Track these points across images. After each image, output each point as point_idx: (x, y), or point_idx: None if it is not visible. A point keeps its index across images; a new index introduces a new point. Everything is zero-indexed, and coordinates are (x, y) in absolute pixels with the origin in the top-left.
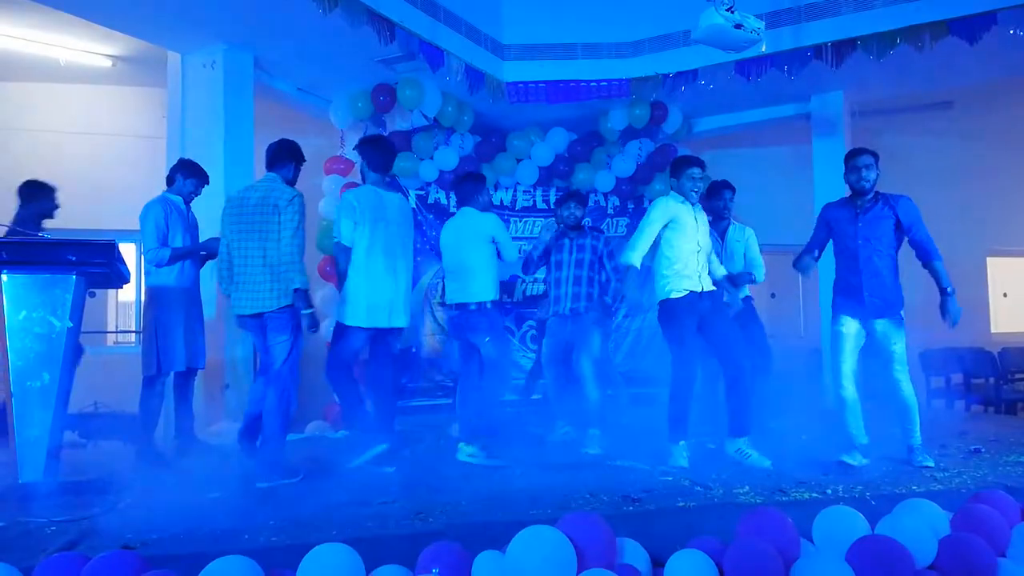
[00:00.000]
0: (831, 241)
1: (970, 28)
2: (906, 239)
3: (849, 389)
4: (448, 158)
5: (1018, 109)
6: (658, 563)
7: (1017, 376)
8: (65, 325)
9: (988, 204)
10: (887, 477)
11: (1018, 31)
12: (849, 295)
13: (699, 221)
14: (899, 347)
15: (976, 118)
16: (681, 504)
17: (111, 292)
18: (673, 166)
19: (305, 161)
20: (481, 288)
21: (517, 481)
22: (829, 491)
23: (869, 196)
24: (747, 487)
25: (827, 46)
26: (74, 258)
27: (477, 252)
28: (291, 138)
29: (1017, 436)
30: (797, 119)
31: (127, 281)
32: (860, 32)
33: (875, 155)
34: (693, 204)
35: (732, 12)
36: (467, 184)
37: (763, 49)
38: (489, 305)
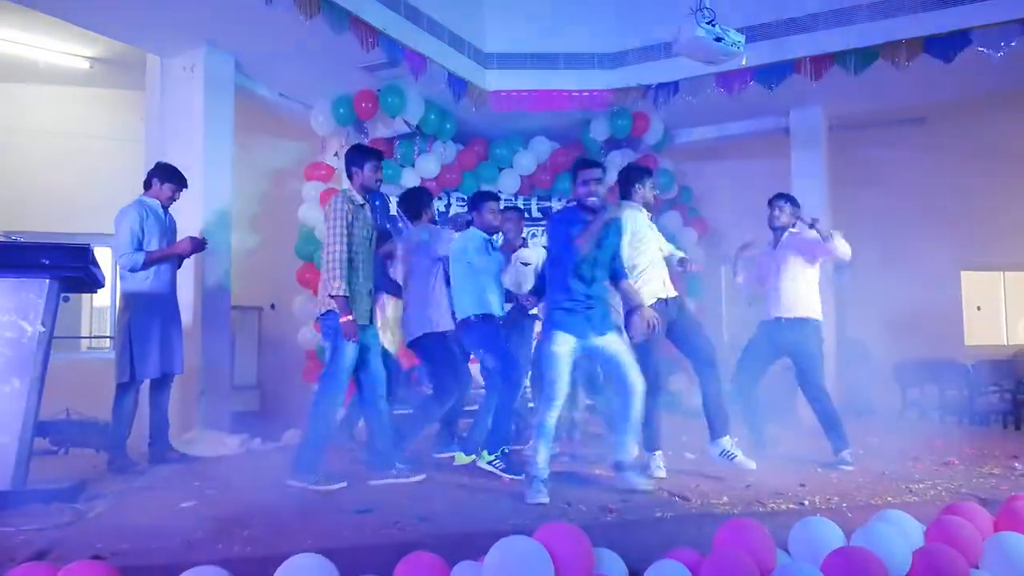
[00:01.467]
0: (568, 251)
1: (944, 46)
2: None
3: (554, 417)
4: (430, 166)
5: (989, 125)
6: (635, 574)
7: (990, 388)
8: (37, 330)
9: (962, 218)
10: (863, 488)
11: (989, 50)
12: (574, 311)
13: (653, 229)
14: (627, 352)
15: (949, 134)
16: (659, 514)
17: (86, 297)
18: (634, 174)
19: (379, 156)
20: (461, 304)
21: (495, 491)
22: (806, 502)
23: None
24: (725, 497)
25: (806, 60)
26: (47, 261)
27: (454, 269)
28: (272, 143)
29: (990, 448)
30: (776, 132)
31: (102, 286)
32: (838, 48)
33: (601, 167)
34: (650, 213)
35: (713, 25)
36: (470, 202)
37: (743, 62)
38: (472, 319)
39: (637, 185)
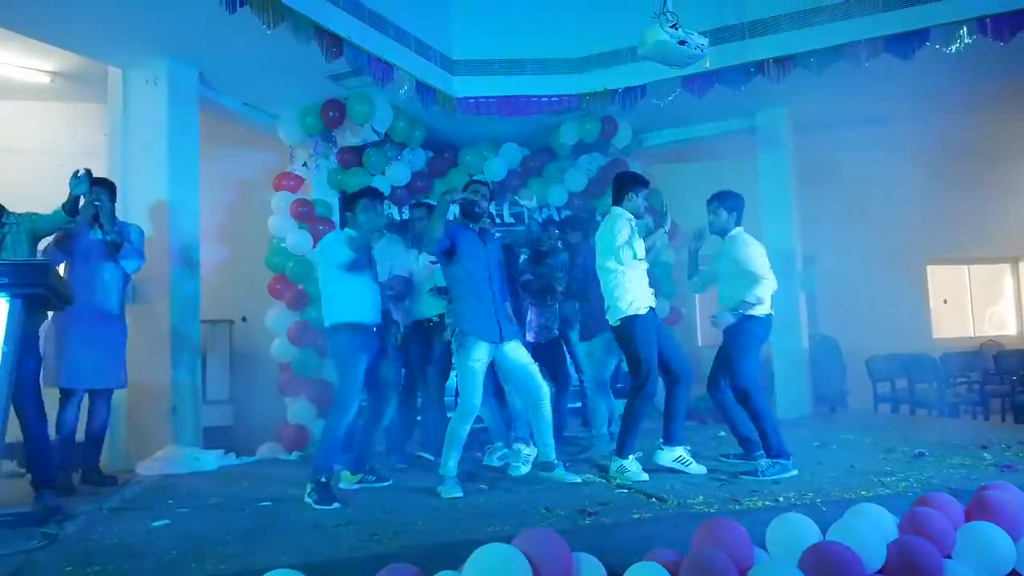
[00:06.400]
0: (462, 259)
1: (903, 45)
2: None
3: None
4: (400, 173)
5: (951, 122)
6: None
7: (959, 380)
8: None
9: (927, 214)
10: (836, 483)
11: (947, 48)
12: (487, 317)
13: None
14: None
15: (913, 132)
16: (636, 516)
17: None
18: (630, 182)
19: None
20: (326, 311)
21: (472, 499)
22: (781, 499)
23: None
24: (701, 497)
25: (769, 62)
26: (7, 280)
27: (320, 273)
28: (238, 154)
29: (960, 439)
30: (743, 133)
31: (69, 303)
32: (800, 49)
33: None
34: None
35: (676, 29)
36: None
37: (707, 65)
38: (336, 328)
39: (631, 194)
